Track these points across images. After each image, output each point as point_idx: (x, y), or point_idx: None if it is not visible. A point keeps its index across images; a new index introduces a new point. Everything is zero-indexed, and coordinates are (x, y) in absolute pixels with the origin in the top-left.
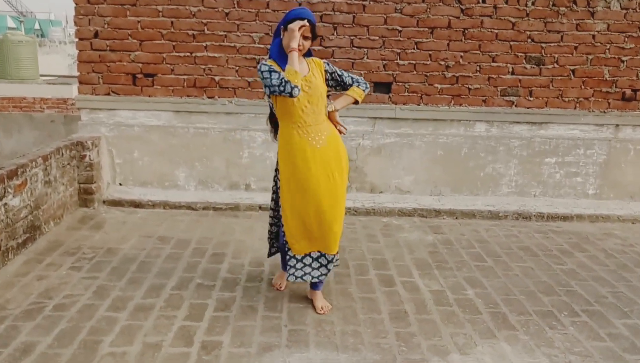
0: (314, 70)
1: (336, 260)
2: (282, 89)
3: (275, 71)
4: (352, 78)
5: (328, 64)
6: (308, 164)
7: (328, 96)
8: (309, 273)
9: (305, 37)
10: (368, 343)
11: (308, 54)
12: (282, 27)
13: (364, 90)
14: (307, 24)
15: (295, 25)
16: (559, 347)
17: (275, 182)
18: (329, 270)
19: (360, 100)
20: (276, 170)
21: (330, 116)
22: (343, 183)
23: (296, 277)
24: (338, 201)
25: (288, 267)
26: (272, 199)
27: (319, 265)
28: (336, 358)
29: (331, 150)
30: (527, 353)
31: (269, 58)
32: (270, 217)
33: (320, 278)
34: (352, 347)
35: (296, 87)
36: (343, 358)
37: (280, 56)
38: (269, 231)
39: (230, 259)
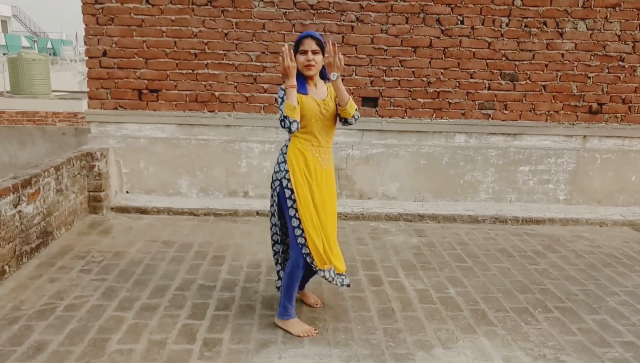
0: (332, 94)
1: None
2: (283, 124)
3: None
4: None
5: None
6: (319, 185)
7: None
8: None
9: (314, 52)
10: (358, 339)
11: (325, 74)
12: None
13: (353, 113)
14: (310, 55)
15: (283, 57)
16: (533, 341)
17: (279, 194)
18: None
19: (348, 110)
20: (279, 181)
21: (332, 83)
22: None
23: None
24: (335, 223)
25: (329, 277)
26: (274, 214)
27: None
28: (328, 353)
29: (331, 174)
30: (504, 347)
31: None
32: (275, 234)
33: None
34: (343, 343)
35: (295, 121)
36: (335, 353)
37: (299, 79)
38: (274, 251)
39: (229, 261)
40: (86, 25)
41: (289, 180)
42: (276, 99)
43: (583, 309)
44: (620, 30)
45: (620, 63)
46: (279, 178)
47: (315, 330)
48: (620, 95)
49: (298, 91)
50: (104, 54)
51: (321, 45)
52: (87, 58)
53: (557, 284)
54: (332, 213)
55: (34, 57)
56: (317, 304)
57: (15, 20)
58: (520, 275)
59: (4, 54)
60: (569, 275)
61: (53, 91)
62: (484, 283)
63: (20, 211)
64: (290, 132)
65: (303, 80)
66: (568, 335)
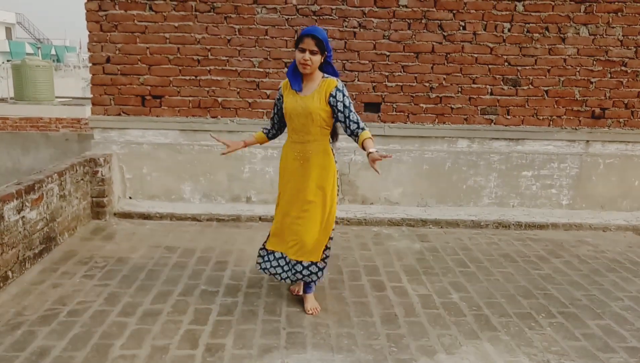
0: (319, 90)
1: (309, 268)
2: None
3: (276, 105)
4: (355, 125)
5: (339, 91)
6: (287, 175)
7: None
8: (279, 274)
9: (312, 52)
10: (361, 344)
11: (329, 71)
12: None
13: (364, 129)
14: (307, 55)
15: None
16: (537, 346)
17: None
18: (303, 275)
19: (368, 146)
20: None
21: (372, 158)
22: (319, 201)
23: (264, 270)
24: (310, 215)
25: (257, 257)
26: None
27: (283, 264)
28: (331, 359)
29: (311, 169)
30: (508, 352)
31: (287, 73)
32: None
33: (290, 280)
34: (347, 348)
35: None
36: (338, 359)
37: (294, 76)
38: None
39: (232, 267)
40: (90, 32)
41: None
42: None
43: (587, 314)
44: (623, 36)
45: (623, 68)
46: None
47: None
48: (623, 100)
49: (292, 87)
50: (108, 60)
51: (321, 46)
52: (90, 64)
53: (561, 289)
54: (301, 204)
55: (38, 63)
56: (308, 311)
57: (19, 27)
58: (523, 281)
59: (8, 61)
60: (572, 280)
61: (57, 97)
62: (487, 288)
63: (23, 217)
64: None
65: (299, 76)
66: (572, 341)
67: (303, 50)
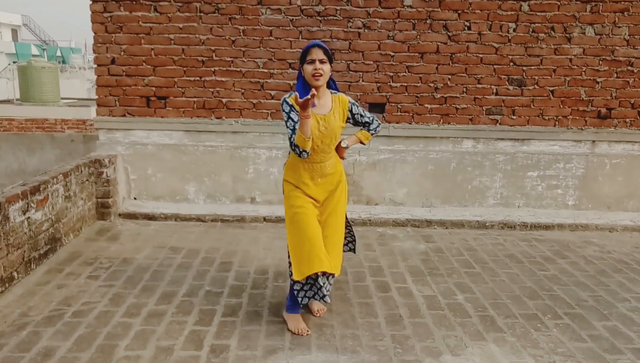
0: (337, 109)
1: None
2: (292, 148)
3: (292, 118)
4: (372, 118)
5: (354, 105)
6: (316, 195)
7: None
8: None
9: (321, 61)
10: (366, 345)
11: (333, 87)
12: (300, 67)
13: (371, 133)
14: (318, 64)
15: (303, 100)
16: (543, 347)
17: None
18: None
19: (365, 142)
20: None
21: (339, 148)
22: (337, 216)
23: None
24: (339, 229)
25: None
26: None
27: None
28: (336, 360)
29: (332, 181)
30: (514, 354)
31: (295, 90)
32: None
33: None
34: (351, 349)
35: (305, 152)
36: (343, 360)
37: (303, 89)
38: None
39: (237, 267)
40: (95, 33)
41: (283, 190)
42: (283, 111)
43: (593, 315)
44: (629, 35)
45: (629, 68)
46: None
47: (308, 332)
48: (629, 100)
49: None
50: (113, 61)
51: (328, 55)
52: (95, 66)
53: (567, 290)
54: (333, 219)
55: (44, 65)
56: (317, 313)
57: (25, 29)
58: (529, 281)
59: (14, 62)
60: (578, 281)
61: (62, 98)
62: (492, 289)
63: (29, 217)
64: (299, 157)
65: (309, 91)
66: (578, 342)
67: (312, 62)
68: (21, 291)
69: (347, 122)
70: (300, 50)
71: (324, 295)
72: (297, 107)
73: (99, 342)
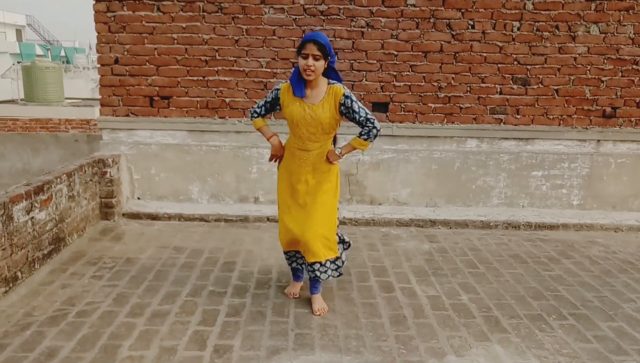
0: (327, 99)
1: (319, 268)
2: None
3: (267, 97)
4: (365, 120)
5: (347, 98)
6: (285, 179)
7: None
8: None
9: (315, 57)
10: (369, 346)
11: (333, 77)
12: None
13: (367, 139)
14: (310, 60)
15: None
16: (548, 348)
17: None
18: (316, 275)
19: (362, 149)
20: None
21: (330, 152)
22: (315, 202)
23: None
24: (307, 217)
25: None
26: None
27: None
28: (340, 361)
29: (319, 172)
30: (518, 354)
31: (290, 78)
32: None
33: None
34: (355, 350)
35: (252, 118)
36: (346, 361)
37: (298, 82)
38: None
39: (240, 268)
40: (98, 33)
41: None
42: (268, 94)
43: (598, 316)
44: (634, 34)
45: (634, 66)
46: None
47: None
48: (634, 99)
49: (294, 94)
50: (116, 61)
51: (324, 50)
52: (99, 65)
53: (572, 291)
54: (298, 207)
55: (48, 65)
56: (316, 312)
57: (29, 29)
58: (533, 282)
59: (18, 62)
60: (583, 281)
61: (66, 98)
62: (497, 289)
63: (32, 217)
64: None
65: (302, 83)
66: (583, 343)
67: (306, 57)
68: (25, 291)
69: (341, 114)
70: None
71: (297, 275)
72: (282, 95)
73: (103, 342)
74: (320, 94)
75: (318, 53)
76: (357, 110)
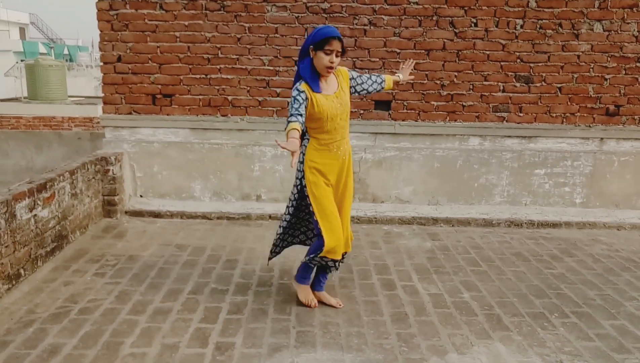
0: (342, 83)
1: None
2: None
3: (297, 100)
4: (376, 77)
5: (351, 73)
6: (323, 184)
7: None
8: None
9: (337, 54)
10: (371, 343)
11: None
12: (311, 46)
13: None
14: (335, 58)
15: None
16: (550, 346)
17: (299, 191)
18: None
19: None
20: (300, 180)
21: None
22: (348, 194)
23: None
24: (342, 207)
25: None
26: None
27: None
28: (341, 358)
29: (346, 163)
30: (520, 352)
31: (303, 80)
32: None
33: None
34: (356, 348)
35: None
36: (348, 358)
37: (312, 76)
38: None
39: (242, 265)
40: (101, 31)
41: (303, 179)
42: (292, 96)
43: (601, 314)
44: (638, 31)
45: (638, 64)
46: (298, 177)
47: (315, 304)
48: (637, 97)
49: (314, 90)
50: (119, 59)
51: (344, 47)
52: (102, 64)
53: (574, 289)
54: (348, 197)
55: (51, 63)
56: (339, 305)
57: (32, 27)
58: (536, 280)
59: (21, 60)
60: (586, 279)
61: (69, 96)
62: (499, 287)
63: (35, 215)
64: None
65: (316, 77)
66: (585, 341)
67: (329, 53)
68: (28, 288)
69: (352, 93)
70: None
71: (320, 280)
72: (309, 94)
73: (105, 339)
74: (332, 82)
75: (341, 50)
76: (362, 75)
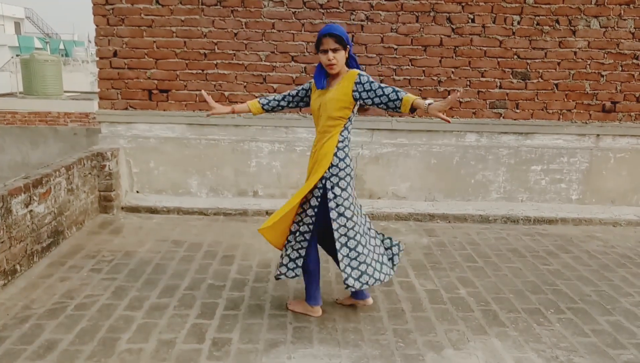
0: (341, 83)
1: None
2: None
3: (290, 92)
4: (393, 94)
5: (362, 75)
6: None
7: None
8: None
9: (334, 50)
10: (368, 339)
11: (352, 65)
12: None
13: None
14: (331, 54)
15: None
16: (546, 342)
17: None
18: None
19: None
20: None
21: (436, 108)
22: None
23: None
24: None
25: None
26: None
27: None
28: (338, 354)
29: (321, 159)
30: (516, 348)
31: (315, 73)
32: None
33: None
34: (353, 343)
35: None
36: (344, 354)
37: (320, 73)
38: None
39: (239, 261)
40: (97, 26)
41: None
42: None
43: (596, 310)
44: (635, 28)
45: (634, 61)
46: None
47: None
48: (634, 94)
49: (317, 87)
50: (115, 54)
51: (342, 41)
52: (98, 59)
53: (570, 285)
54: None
55: (47, 58)
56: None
57: (28, 22)
58: (532, 276)
59: (17, 55)
60: (581, 275)
61: (65, 92)
62: (495, 283)
63: (31, 210)
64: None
65: (323, 75)
66: (581, 337)
67: (325, 52)
68: (24, 284)
69: (355, 98)
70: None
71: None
72: (312, 89)
73: (101, 335)
74: (336, 81)
75: (336, 45)
76: (377, 87)
